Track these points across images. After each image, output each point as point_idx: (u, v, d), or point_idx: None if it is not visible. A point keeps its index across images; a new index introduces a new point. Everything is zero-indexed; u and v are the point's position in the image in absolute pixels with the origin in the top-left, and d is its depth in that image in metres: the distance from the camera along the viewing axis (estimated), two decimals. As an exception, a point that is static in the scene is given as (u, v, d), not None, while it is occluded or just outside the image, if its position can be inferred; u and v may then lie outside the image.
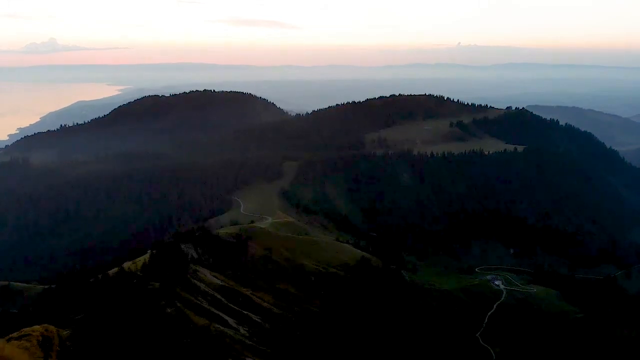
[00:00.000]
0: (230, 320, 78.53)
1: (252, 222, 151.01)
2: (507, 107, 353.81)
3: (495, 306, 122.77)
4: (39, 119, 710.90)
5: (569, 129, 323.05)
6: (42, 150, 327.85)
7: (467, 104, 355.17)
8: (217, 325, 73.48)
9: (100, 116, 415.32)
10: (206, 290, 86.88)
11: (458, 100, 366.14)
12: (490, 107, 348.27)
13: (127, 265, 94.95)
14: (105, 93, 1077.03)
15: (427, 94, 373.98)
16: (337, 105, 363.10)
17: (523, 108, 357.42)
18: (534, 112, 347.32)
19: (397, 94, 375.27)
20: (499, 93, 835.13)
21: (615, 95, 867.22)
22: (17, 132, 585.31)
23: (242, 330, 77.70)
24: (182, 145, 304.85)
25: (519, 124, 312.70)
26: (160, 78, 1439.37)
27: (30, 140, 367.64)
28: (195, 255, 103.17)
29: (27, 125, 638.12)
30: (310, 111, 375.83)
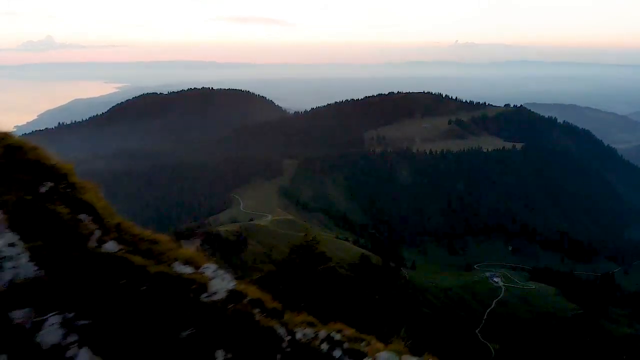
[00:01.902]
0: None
1: (252, 219, 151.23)
2: (505, 105, 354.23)
3: (494, 303, 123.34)
4: (36, 117, 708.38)
5: (567, 127, 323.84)
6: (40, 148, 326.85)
7: (466, 101, 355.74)
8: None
9: (98, 114, 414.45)
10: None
11: (456, 98, 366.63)
12: (489, 104, 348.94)
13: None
14: (102, 91, 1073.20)
15: (425, 91, 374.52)
16: (336, 103, 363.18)
17: (521, 106, 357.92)
18: (532, 110, 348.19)
19: (395, 91, 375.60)
20: (497, 91, 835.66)
21: (612, 93, 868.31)
22: (15, 130, 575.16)
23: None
24: (181, 144, 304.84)
25: (517, 122, 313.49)
26: (158, 76, 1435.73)
27: (27, 139, 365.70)
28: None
29: (24, 123, 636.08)
30: (309, 109, 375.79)
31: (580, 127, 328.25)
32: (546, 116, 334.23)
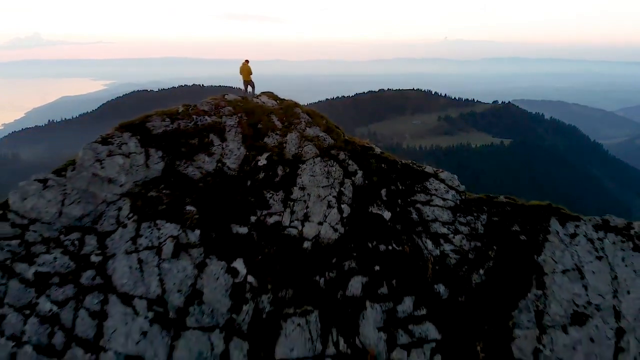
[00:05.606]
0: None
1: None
2: (494, 102, 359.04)
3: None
4: (24, 115, 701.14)
5: (554, 123, 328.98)
6: (31, 145, 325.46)
7: (455, 98, 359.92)
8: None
9: (89, 111, 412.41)
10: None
11: (445, 94, 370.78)
12: (477, 101, 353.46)
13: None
14: (90, 88, 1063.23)
15: (415, 88, 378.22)
16: (326, 99, 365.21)
17: (509, 102, 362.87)
18: (519, 106, 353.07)
19: (385, 88, 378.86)
20: (486, 87, 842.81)
21: (599, 90, 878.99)
22: (3, 128, 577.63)
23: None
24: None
25: (505, 118, 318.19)
26: (146, 73, 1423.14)
27: (17, 136, 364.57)
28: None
29: (12, 121, 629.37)
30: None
31: (568, 124, 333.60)
32: (534, 112, 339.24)
